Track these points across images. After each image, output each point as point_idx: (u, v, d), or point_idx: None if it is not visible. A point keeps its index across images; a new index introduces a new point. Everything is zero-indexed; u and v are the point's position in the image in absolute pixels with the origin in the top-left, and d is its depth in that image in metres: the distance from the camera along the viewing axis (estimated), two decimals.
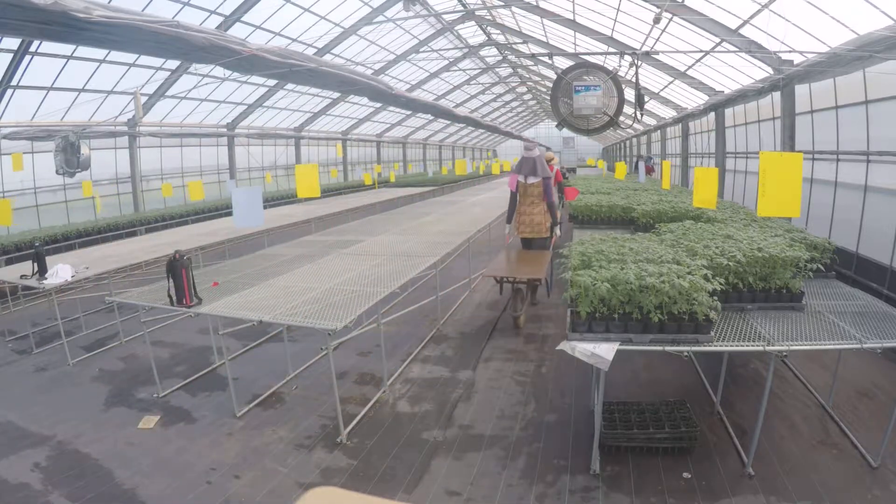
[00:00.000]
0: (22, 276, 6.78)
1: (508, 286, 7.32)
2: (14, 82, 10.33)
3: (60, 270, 6.61)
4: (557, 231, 8.16)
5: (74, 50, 10.34)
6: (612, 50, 11.85)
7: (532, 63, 22.43)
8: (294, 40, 13.77)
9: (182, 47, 6.68)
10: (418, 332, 7.37)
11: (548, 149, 19.80)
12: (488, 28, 18.95)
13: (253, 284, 5.64)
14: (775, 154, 4.40)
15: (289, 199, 18.66)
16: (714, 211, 6.94)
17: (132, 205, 15.30)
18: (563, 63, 15.72)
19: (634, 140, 29.06)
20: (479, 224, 10.02)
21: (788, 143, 9.02)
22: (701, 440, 4.28)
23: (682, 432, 4.16)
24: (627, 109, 10.66)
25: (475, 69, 24.57)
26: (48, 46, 9.89)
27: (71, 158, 10.30)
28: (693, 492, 3.78)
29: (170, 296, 4.98)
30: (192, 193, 12.06)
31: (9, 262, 9.55)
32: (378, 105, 22.34)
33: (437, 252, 7.06)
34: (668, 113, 17.29)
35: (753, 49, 8.57)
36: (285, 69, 8.46)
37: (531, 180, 7.79)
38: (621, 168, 17.45)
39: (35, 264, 6.67)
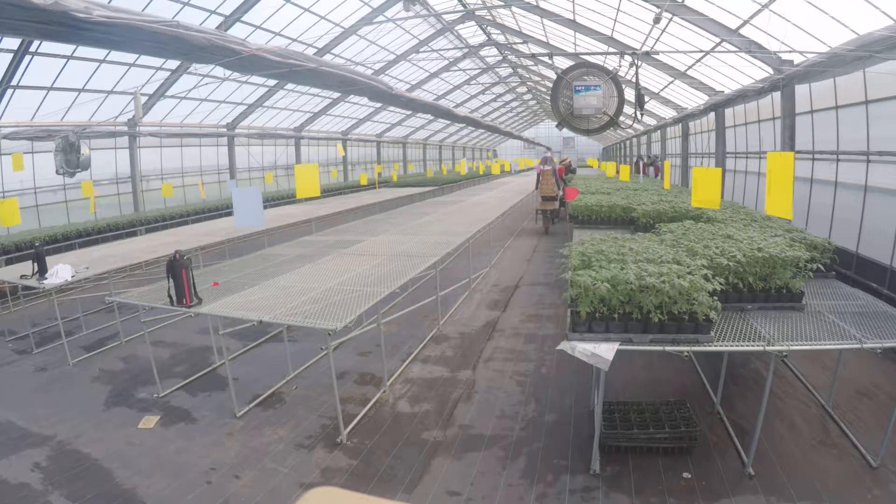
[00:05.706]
0: (22, 276, 6.79)
1: (539, 224, 16.82)
2: (14, 82, 10.33)
3: (60, 270, 6.61)
4: (560, 194, 15.52)
5: (74, 50, 10.33)
6: (612, 50, 11.85)
7: (532, 63, 22.44)
8: (294, 40, 13.76)
9: (182, 47, 6.68)
10: (418, 332, 7.37)
11: (548, 148, 29.14)
12: (488, 28, 18.95)
13: (253, 284, 5.64)
14: (780, 154, 4.41)
15: (289, 199, 18.66)
16: (714, 211, 6.94)
17: (132, 205, 15.30)
18: (563, 63, 15.73)
19: (634, 140, 29.05)
20: (479, 224, 10.01)
21: (788, 143, 9.01)
22: (701, 440, 4.29)
23: (682, 432, 4.16)
24: (627, 109, 10.65)
25: (475, 69, 24.58)
26: (48, 46, 9.89)
27: (71, 158, 10.28)
28: (693, 492, 3.79)
29: (170, 296, 4.98)
30: (172, 194, 11.92)
31: (9, 262, 9.56)
32: (378, 105, 22.35)
33: (437, 252, 7.06)
34: (668, 113, 17.29)
35: (753, 49, 8.56)
36: (285, 69, 8.46)
37: (547, 168, 15.81)
38: (610, 167, 20.60)
39: (35, 264, 6.67)
